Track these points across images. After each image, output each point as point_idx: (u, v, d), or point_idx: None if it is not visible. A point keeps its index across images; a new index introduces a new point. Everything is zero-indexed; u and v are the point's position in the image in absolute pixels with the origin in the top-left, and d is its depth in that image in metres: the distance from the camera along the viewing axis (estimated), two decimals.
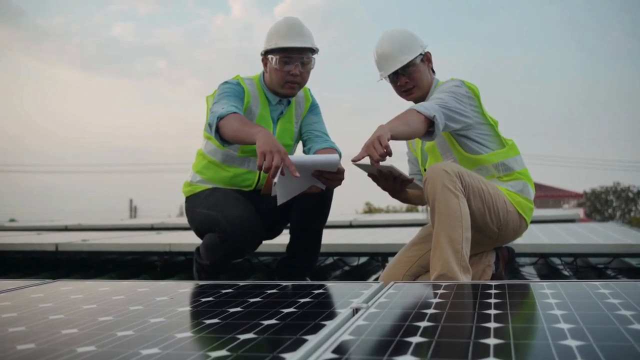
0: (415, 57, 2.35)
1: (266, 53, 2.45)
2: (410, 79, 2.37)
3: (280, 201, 2.17)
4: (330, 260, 3.76)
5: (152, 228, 6.33)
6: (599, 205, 34.89)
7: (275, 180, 2.04)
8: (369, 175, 2.29)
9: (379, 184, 2.26)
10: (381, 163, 2.08)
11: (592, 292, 1.33)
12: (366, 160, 2.21)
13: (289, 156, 1.99)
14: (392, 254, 2.98)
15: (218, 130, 2.20)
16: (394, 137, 2.01)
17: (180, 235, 4.27)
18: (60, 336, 1.08)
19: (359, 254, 3.43)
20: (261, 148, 1.96)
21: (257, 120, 2.46)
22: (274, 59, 2.41)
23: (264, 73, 2.54)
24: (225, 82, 2.47)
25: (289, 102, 2.55)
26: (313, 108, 2.64)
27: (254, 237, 2.33)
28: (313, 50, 2.45)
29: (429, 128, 2.13)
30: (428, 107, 2.13)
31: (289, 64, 2.40)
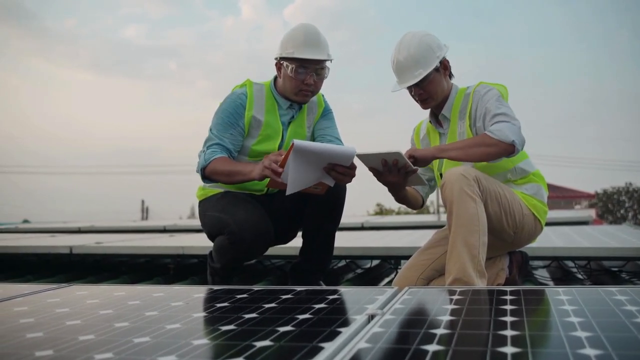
0: (431, 71, 2.30)
1: (281, 59, 2.45)
2: (424, 90, 2.33)
3: (289, 191, 2.10)
4: (342, 263, 3.76)
5: (164, 230, 6.36)
6: (611, 206, 34.56)
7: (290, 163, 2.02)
8: (370, 169, 2.20)
9: (379, 179, 2.20)
10: (388, 150, 2.06)
11: (609, 298, 1.32)
12: (370, 149, 2.18)
13: (308, 142, 2.04)
14: (405, 257, 2.97)
15: (208, 177, 2.39)
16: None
17: (192, 237, 4.28)
18: (78, 342, 1.08)
19: (372, 257, 3.42)
20: (261, 167, 2.16)
21: (264, 127, 2.46)
22: (289, 67, 2.40)
23: (276, 77, 2.54)
24: (231, 95, 2.48)
25: (300, 107, 2.55)
26: (326, 113, 2.63)
27: (263, 240, 2.33)
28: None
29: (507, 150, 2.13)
30: (505, 130, 2.11)
31: (304, 74, 2.40)
